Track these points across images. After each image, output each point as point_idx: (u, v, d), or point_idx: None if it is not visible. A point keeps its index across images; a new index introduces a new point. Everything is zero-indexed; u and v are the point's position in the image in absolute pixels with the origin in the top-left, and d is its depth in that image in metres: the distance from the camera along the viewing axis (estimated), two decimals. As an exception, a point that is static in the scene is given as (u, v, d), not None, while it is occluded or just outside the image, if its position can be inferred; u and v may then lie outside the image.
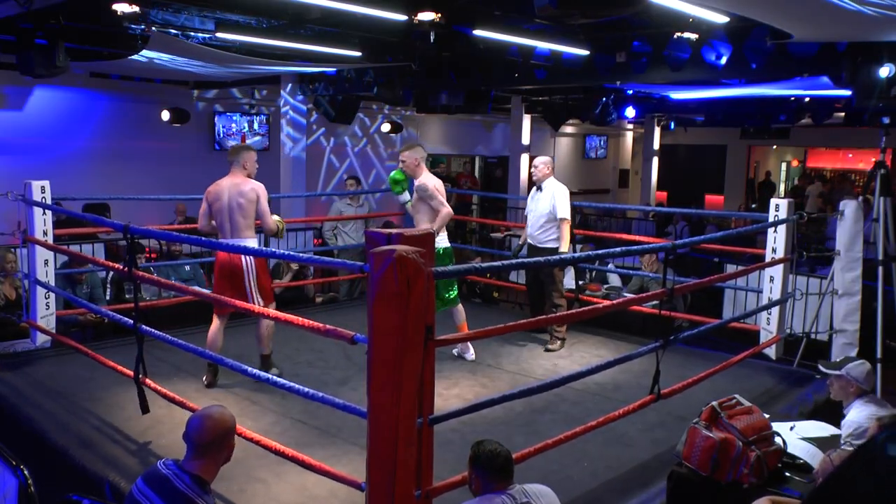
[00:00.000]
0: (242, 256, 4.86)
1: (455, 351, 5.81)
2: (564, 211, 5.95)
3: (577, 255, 4.38)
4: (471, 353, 5.79)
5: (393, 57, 8.60)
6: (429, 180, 5.57)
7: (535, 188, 6.18)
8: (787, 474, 3.40)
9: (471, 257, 8.75)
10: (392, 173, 5.80)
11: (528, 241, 6.22)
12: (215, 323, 5.06)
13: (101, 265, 6.06)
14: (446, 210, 5.54)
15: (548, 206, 5.99)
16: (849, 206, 5.41)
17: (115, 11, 6.02)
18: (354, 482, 2.99)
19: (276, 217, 5.18)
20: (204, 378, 5.02)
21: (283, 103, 10.70)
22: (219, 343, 5.03)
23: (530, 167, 6.37)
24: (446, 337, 2.94)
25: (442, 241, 5.64)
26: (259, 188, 4.98)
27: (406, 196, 5.67)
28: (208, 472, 2.53)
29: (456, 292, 5.79)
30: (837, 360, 4.14)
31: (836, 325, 5.49)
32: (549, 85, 9.73)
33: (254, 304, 4.86)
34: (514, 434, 4.19)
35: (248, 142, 12.37)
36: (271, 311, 4.26)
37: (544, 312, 6.00)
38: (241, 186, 4.96)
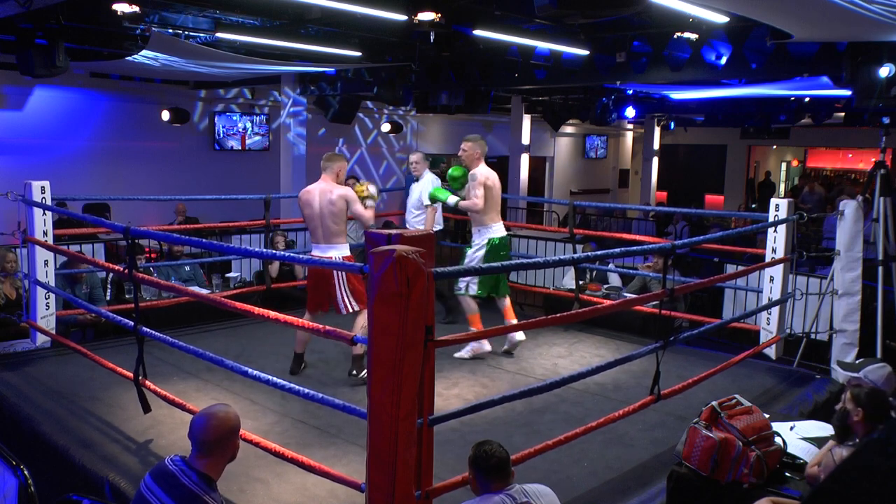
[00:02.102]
0: (336, 259, 5.04)
1: (506, 346, 5.92)
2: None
3: (577, 255, 4.39)
4: (517, 338, 5.90)
5: (393, 57, 8.61)
6: (480, 172, 5.68)
7: (413, 182, 6.58)
8: (787, 474, 3.40)
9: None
10: (451, 169, 5.99)
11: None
12: (306, 318, 5.15)
13: (100, 266, 6.06)
14: (472, 203, 5.62)
15: (418, 195, 6.50)
16: (849, 206, 5.40)
17: (115, 11, 6.02)
18: (354, 482, 2.99)
19: (363, 191, 5.27)
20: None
21: (283, 103, 10.70)
22: (306, 337, 5.29)
23: (409, 164, 6.77)
24: (446, 337, 2.94)
25: (499, 230, 5.76)
26: (346, 194, 5.09)
27: (452, 200, 5.77)
28: (214, 470, 2.53)
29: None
30: (856, 361, 4.09)
31: (836, 325, 5.49)
32: (549, 85, 9.73)
33: (348, 308, 5.08)
34: (514, 434, 4.19)
35: (248, 142, 12.39)
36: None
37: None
38: (330, 194, 5.06)
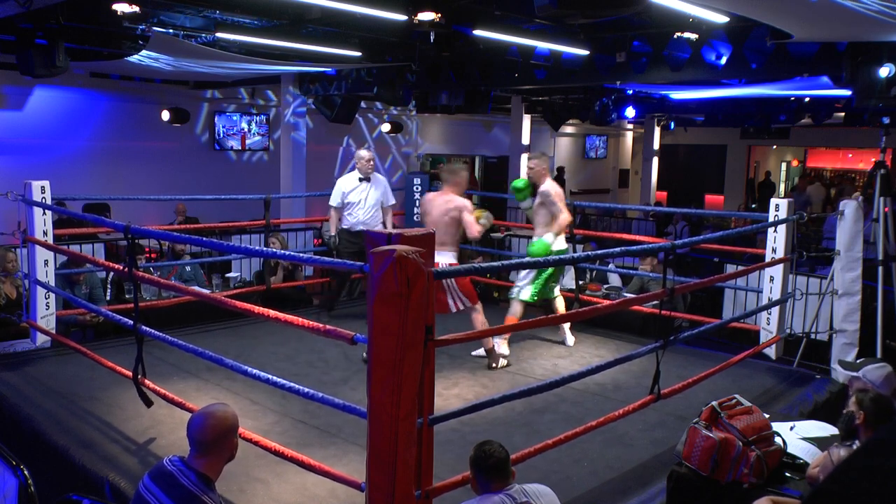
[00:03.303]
0: (441, 265, 5.24)
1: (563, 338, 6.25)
2: (392, 198, 6.94)
3: (577, 255, 4.39)
4: (570, 339, 6.19)
5: (393, 57, 8.61)
6: (552, 187, 5.91)
7: (357, 180, 6.69)
8: (787, 474, 3.40)
9: (472, 257, 8.75)
10: (515, 181, 6.22)
11: (359, 227, 6.62)
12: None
13: (100, 265, 6.06)
14: (564, 217, 5.91)
15: (379, 195, 6.75)
16: (849, 206, 5.40)
17: (115, 11, 6.02)
18: (354, 482, 2.99)
19: (481, 216, 5.58)
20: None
21: (284, 103, 10.70)
22: (480, 322, 5.56)
23: (359, 162, 6.78)
24: (446, 337, 2.94)
25: (560, 243, 5.96)
26: (462, 205, 5.47)
27: (528, 203, 6.04)
28: (212, 470, 2.52)
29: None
30: (857, 360, 4.09)
31: (836, 325, 5.49)
32: (549, 85, 9.73)
33: (458, 306, 5.42)
34: (514, 434, 4.19)
35: (248, 142, 12.40)
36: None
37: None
38: (448, 205, 5.46)
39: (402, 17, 6.08)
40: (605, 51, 7.65)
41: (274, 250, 6.12)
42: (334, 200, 6.74)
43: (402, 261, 2.50)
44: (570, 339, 6.22)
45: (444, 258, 5.31)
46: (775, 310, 5.57)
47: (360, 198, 6.72)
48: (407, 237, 2.67)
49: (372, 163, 6.80)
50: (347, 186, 6.73)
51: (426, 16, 5.90)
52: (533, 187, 6.05)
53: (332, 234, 6.76)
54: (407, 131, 14.83)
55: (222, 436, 2.54)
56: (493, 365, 5.51)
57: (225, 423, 2.56)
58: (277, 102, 11.96)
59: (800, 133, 16.22)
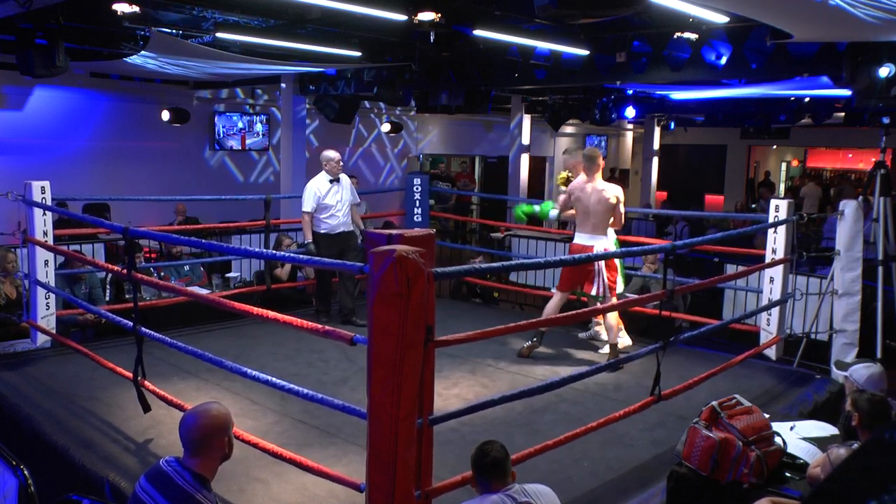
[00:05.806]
0: (596, 250, 5.50)
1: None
2: (357, 196, 7.02)
3: (577, 256, 4.39)
4: (626, 340, 6.04)
5: (393, 57, 8.61)
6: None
7: (328, 182, 6.63)
8: (787, 474, 3.41)
9: (472, 257, 8.75)
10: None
11: (340, 229, 6.65)
12: (557, 297, 5.73)
13: (99, 267, 6.05)
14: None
15: (349, 195, 6.76)
16: (849, 206, 5.40)
17: (116, 11, 6.02)
18: (352, 483, 2.99)
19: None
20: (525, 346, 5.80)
21: (284, 104, 10.70)
22: (554, 313, 5.66)
23: (328, 164, 6.70)
24: (446, 337, 2.94)
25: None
26: (618, 192, 5.63)
27: (554, 213, 6.28)
28: (207, 469, 2.52)
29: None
30: (851, 360, 4.10)
31: (836, 325, 5.49)
32: (549, 85, 9.73)
33: (599, 291, 5.58)
34: (515, 434, 4.19)
35: (248, 142, 12.40)
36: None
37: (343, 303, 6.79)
38: (603, 192, 5.60)
39: (402, 17, 6.08)
40: (605, 51, 7.65)
41: (274, 252, 6.12)
42: (308, 205, 6.56)
43: (402, 261, 2.50)
44: (627, 340, 6.08)
45: (601, 243, 5.59)
46: (775, 310, 5.57)
47: (337, 199, 6.64)
48: (407, 237, 2.67)
49: (341, 163, 6.78)
50: (321, 189, 6.59)
51: (426, 16, 5.90)
52: None
53: (308, 240, 6.57)
54: (407, 131, 14.83)
55: (213, 434, 2.53)
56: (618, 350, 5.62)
57: (216, 422, 2.55)
58: (277, 103, 11.96)
59: (800, 133, 16.22)
